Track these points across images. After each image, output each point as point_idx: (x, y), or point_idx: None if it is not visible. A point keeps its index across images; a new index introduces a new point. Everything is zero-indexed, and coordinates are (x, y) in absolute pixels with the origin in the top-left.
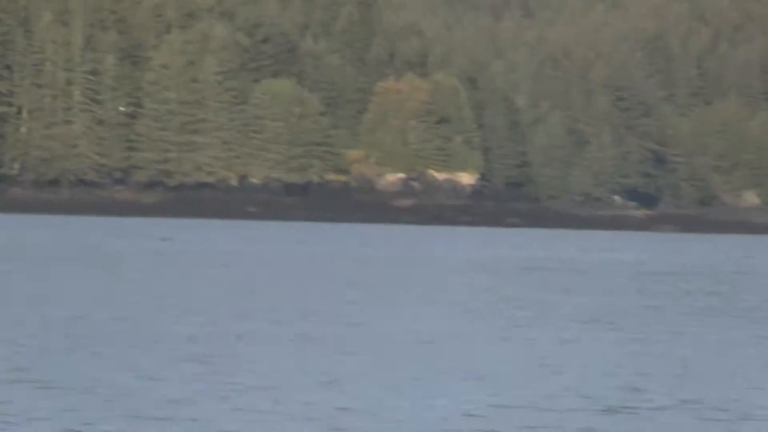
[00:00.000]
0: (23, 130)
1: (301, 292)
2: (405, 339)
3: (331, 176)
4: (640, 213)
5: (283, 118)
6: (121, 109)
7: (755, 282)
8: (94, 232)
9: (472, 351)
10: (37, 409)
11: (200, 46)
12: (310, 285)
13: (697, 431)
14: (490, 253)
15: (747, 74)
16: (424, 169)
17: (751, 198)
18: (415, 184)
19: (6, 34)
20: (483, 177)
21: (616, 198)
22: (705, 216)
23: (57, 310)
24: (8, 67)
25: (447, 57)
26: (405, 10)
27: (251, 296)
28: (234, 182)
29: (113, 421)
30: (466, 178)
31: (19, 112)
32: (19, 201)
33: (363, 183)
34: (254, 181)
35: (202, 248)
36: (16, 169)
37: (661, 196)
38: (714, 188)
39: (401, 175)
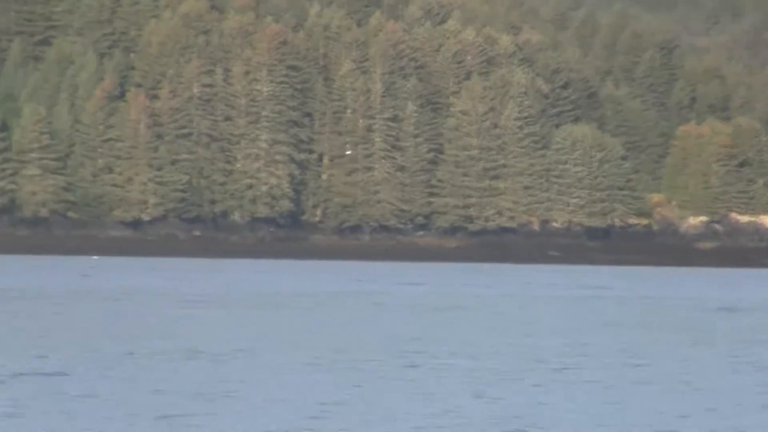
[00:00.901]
0: (324, 177)
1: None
2: None
3: (633, 220)
4: None
5: (585, 163)
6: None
7: None
8: (396, 277)
9: None
10: None
11: (500, 92)
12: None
13: None
14: None
15: None
16: (726, 212)
17: None
18: (718, 227)
19: (306, 83)
20: None
21: None
22: None
23: None
24: (309, 115)
25: (749, 101)
26: (707, 55)
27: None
28: (535, 227)
29: None
30: None
31: (320, 159)
32: (321, 247)
33: (665, 226)
34: (556, 225)
35: (515, 291)
36: (317, 215)
37: None
38: None
39: (703, 218)
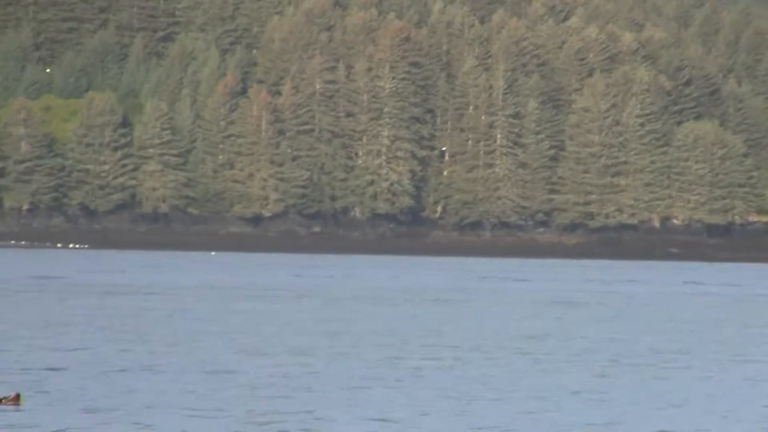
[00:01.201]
0: (446, 173)
1: None
2: None
3: (754, 217)
4: None
5: (706, 160)
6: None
7: None
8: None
9: None
10: None
11: (622, 90)
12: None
13: None
14: None
15: None
16: None
17: None
18: None
19: (429, 79)
20: None
21: None
22: None
23: None
24: (431, 111)
25: None
26: None
27: None
28: (656, 224)
29: None
30: None
31: (442, 155)
32: (442, 244)
33: None
34: (676, 222)
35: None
36: (438, 212)
37: None
38: None
39: None
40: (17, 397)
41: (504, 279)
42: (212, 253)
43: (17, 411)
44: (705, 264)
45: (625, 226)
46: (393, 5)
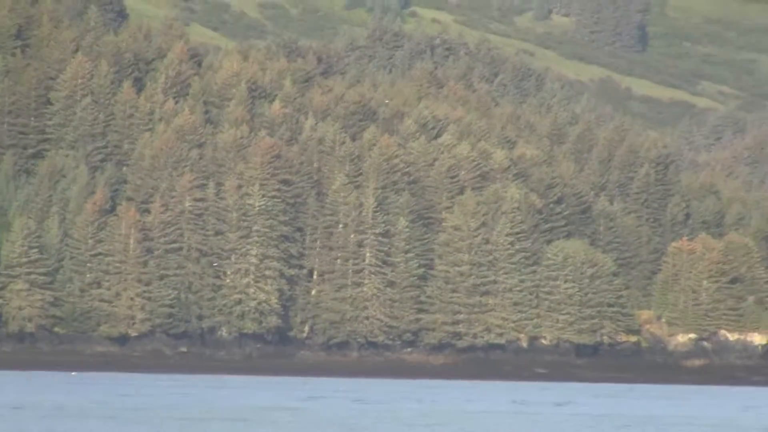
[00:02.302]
0: (314, 292)
1: None
2: None
3: (622, 337)
4: None
5: (575, 279)
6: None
7: None
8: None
9: None
10: None
11: (493, 207)
12: None
13: None
14: None
15: None
16: (715, 330)
17: None
18: (706, 344)
19: (299, 197)
20: None
21: None
22: None
23: None
24: (300, 230)
25: (743, 217)
26: (703, 170)
27: None
28: (524, 343)
29: None
30: (758, 338)
31: (311, 274)
32: (308, 363)
33: (654, 344)
34: (545, 342)
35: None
36: (305, 331)
37: None
38: None
39: (692, 336)
40: None
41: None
42: (72, 373)
43: None
44: (570, 384)
45: (493, 346)
46: (264, 122)
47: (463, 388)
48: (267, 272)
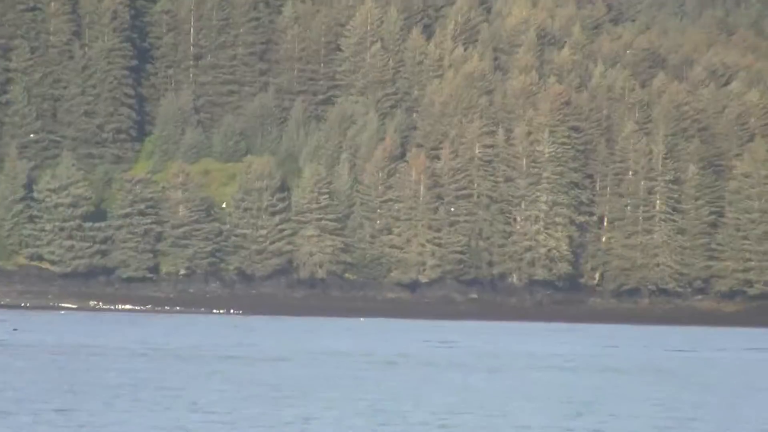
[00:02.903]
0: (604, 239)
1: None
2: None
3: None
4: None
5: None
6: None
7: None
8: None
9: None
10: None
11: None
12: None
13: None
14: None
15: None
16: None
17: None
18: None
19: (588, 144)
20: None
21: None
22: None
23: None
24: (590, 177)
25: None
26: None
27: None
28: None
29: None
30: None
31: (600, 221)
32: (598, 310)
33: None
34: None
35: None
36: (596, 279)
37: None
38: None
39: None
40: None
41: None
42: (361, 319)
43: None
44: None
45: None
46: (553, 69)
47: (755, 336)
48: (557, 219)
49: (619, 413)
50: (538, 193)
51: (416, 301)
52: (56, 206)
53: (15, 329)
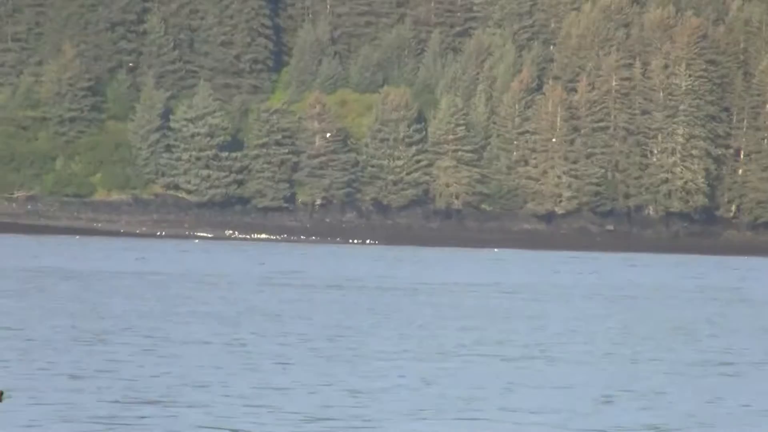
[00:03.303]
0: (740, 172)
1: None
2: None
3: None
4: None
5: None
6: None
7: None
8: None
9: None
10: None
11: None
12: None
13: None
14: None
15: None
16: None
17: None
18: None
19: (725, 77)
20: None
21: None
22: None
23: None
24: (726, 110)
25: None
26: None
27: None
28: None
29: None
30: None
31: (737, 154)
32: (735, 243)
33: None
34: None
35: None
36: (732, 211)
37: None
38: None
39: None
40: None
41: None
42: (495, 250)
43: None
44: None
45: None
46: (690, 3)
47: None
48: (693, 152)
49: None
50: (675, 126)
51: (552, 232)
52: (193, 136)
53: (142, 257)
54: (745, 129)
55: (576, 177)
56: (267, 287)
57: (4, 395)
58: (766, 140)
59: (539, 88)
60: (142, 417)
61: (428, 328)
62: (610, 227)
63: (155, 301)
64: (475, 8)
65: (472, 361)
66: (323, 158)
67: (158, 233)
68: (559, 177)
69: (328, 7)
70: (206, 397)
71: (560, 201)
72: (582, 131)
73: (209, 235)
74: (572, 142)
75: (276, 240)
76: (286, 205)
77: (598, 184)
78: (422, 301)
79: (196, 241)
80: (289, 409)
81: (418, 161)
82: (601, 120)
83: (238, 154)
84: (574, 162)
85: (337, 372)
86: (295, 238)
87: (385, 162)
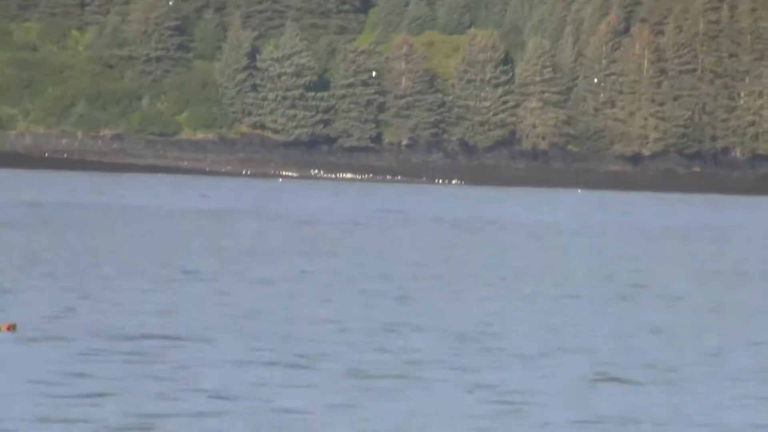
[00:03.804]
0: None
1: None
2: None
3: None
4: None
5: None
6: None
7: None
8: None
9: None
10: None
11: None
12: None
13: None
14: None
15: None
16: None
17: None
18: None
19: None
20: None
21: None
22: None
23: None
24: None
25: None
26: None
27: None
28: None
29: None
30: None
31: None
32: None
33: None
34: None
35: None
36: None
37: None
38: None
39: None
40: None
41: None
42: (578, 191)
43: None
44: None
45: None
46: None
47: None
48: None
49: None
50: (763, 69)
51: (639, 173)
52: (279, 75)
53: (204, 195)
54: None
55: (663, 119)
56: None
57: (17, 327)
58: None
59: (626, 31)
60: None
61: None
62: (697, 169)
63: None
64: None
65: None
66: (409, 99)
67: (244, 172)
68: (645, 119)
69: None
70: None
71: (647, 143)
72: (669, 74)
73: (294, 175)
74: (659, 84)
75: (361, 179)
76: (372, 145)
77: (684, 126)
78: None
79: (280, 180)
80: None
81: (505, 102)
82: (688, 63)
83: (325, 94)
84: (661, 104)
85: None
86: (381, 177)
87: (472, 103)
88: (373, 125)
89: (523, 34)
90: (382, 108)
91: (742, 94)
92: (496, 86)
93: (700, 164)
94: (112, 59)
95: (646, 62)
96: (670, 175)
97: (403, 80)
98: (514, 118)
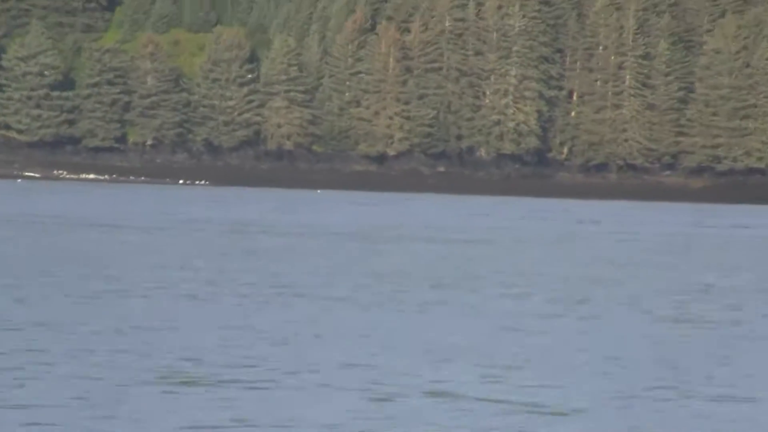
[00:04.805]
0: (573, 114)
1: None
2: None
3: None
4: None
5: None
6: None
7: None
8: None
9: None
10: None
11: (754, 31)
12: None
13: None
14: None
15: None
16: None
17: None
18: None
19: (559, 18)
20: None
21: None
22: None
23: None
24: (560, 51)
25: None
26: None
27: None
28: None
29: None
30: None
31: (570, 96)
32: (567, 185)
33: None
34: None
35: None
36: (564, 153)
37: None
38: None
39: None
40: None
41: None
42: (318, 191)
43: None
44: None
45: (752, 170)
46: None
47: (727, 212)
48: (526, 93)
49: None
50: (508, 67)
51: (384, 173)
52: (24, 75)
53: None
54: (578, 71)
55: (408, 118)
56: None
57: None
58: (598, 82)
59: (373, 29)
60: None
61: None
62: (442, 169)
63: None
64: None
65: None
66: (155, 98)
67: None
68: (390, 118)
69: None
70: None
71: (392, 142)
72: (415, 72)
73: (37, 175)
74: (405, 83)
75: (105, 180)
76: (117, 145)
77: (430, 126)
78: None
79: (19, 181)
80: None
81: (250, 101)
82: (434, 61)
83: (70, 93)
84: (406, 103)
85: None
86: (125, 178)
87: (217, 102)
88: (118, 125)
89: (269, 32)
90: (127, 108)
91: (488, 93)
92: (242, 85)
93: (445, 164)
94: None
95: (391, 60)
96: (415, 174)
97: (149, 79)
98: (259, 118)
